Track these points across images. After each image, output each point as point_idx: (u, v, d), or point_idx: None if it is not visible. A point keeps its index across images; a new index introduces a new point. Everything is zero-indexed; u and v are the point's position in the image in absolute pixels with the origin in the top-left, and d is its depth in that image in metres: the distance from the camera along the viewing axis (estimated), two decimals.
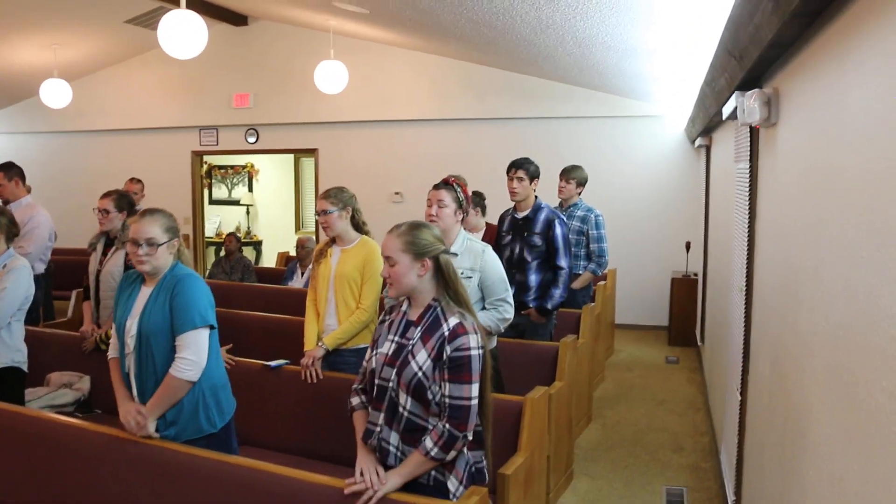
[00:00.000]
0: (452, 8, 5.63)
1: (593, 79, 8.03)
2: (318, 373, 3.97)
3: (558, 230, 4.95)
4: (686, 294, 8.36)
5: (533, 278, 4.99)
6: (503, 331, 4.06)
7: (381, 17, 7.15)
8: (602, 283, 7.24)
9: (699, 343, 7.67)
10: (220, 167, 13.13)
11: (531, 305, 4.99)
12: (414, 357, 2.53)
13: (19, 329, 4.01)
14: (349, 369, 4.06)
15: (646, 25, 4.75)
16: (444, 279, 2.64)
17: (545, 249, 4.97)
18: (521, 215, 5.08)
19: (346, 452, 3.90)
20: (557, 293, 4.96)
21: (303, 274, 7.39)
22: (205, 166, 12.03)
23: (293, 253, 8.76)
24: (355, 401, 2.79)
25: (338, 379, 4.00)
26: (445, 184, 3.90)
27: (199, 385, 3.07)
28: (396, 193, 9.92)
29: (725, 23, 2.99)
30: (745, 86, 3.24)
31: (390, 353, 2.62)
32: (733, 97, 3.38)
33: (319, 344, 4.01)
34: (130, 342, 3.07)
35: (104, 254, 4.95)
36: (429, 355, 2.52)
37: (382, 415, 2.59)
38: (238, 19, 10.13)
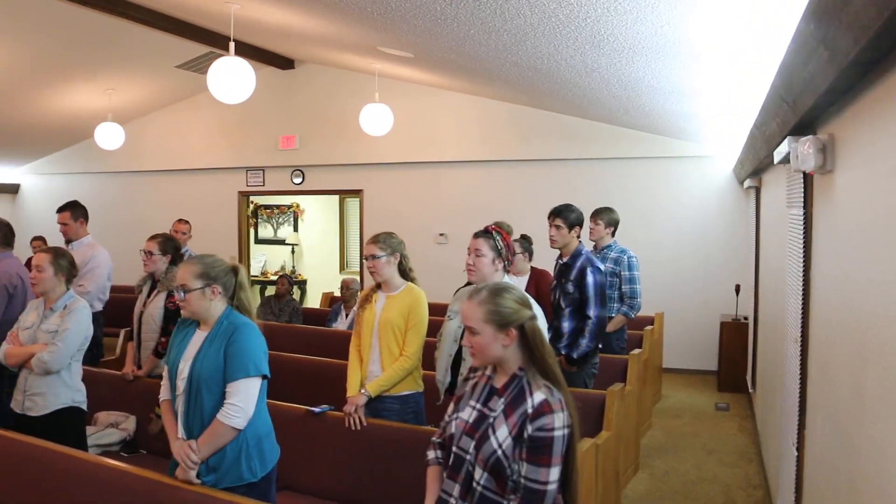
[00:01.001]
0: (496, 52, 5.63)
1: (639, 120, 7.97)
2: (362, 420, 3.94)
3: (590, 279, 4.89)
4: (736, 338, 8.17)
5: (566, 325, 4.95)
6: None
7: (425, 60, 7.19)
8: (649, 327, 7.11)
9: (750, 389, 7.47)
10: (266, 207, 13.29)
11: (561, 353, 4.93)
12: (495, 432, 2.36)
13: (78, 369, 4.05)
14: (392, 416, 4.03)
15: (692, 68, 4.70)
16: (530, 348, 2.45)
17: (578, 297, 4.92)
18: (563, 261, 5.06)
19: (388, 500, 3.86)
20: (584, 343, 4.88)
21: (347, 315, 7.39)
22: (251, 206, 12.18)
23: (338, 293, 8.77)
24: (431, 455, 2.64)
25: (381, 426, 3.97)
26: (485, 232, 3.85)
27: (243, 433, 3.07)
28: (441, 235, 9.90)
29: (777, 69, 2.93)
30: (797, 131, 3.15)
31: (471, 420, 2.46)
32: (785, 142, 3.30)
33: (362, 391, 3.98)
34: (181, 384, 3.10)
35: (148, 296, 4.99)
36: (510, 432, 2.34)
37: (458, 487, 2.43)
38: (285, 63, 10.29)
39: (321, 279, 12.61)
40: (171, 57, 9.32)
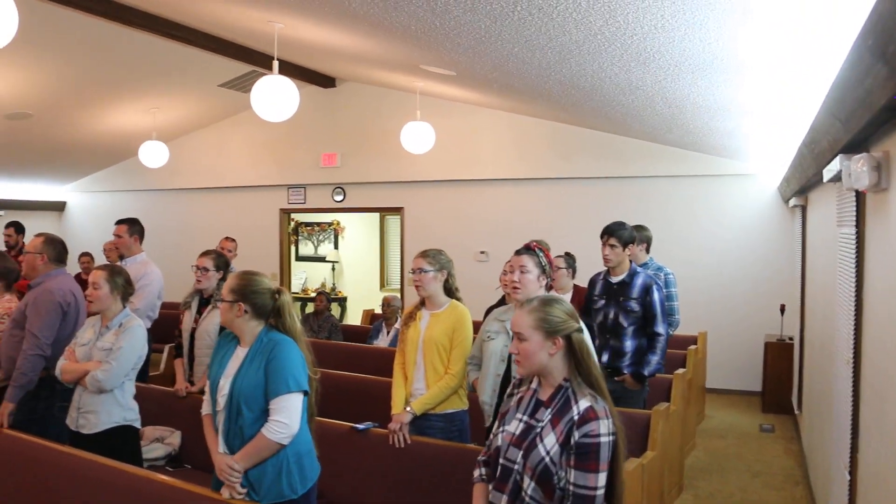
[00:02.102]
0: (540, 70, 5.64)
1: (682, 137, 7.92)
2: (406, 437, 3.94)
3: (656, 296, 4.85)
4: (781, 359, 8.03)
5: (629, 344, 4.88)
6: None
7: (468, 78, 7.21)
8: (693, 346, 7.02)
9: (796, 411, 7.33)
10: (307, 224, 13.41)
11: (626, 371, 4.87)
12: (542, 440, 2.40)
13: (131, 388, 4.08)
14: (436, 434, 4.03)
15: (738, 85, 4.66)
16: (576, 359, 2.49)
17: (642, 315, 4.87)
18: (615, 280, 4.98)
19: None
20: (654, 360, 4.84)
21: (388, 332, 7.41)
22: (292, 224, 12.29)
23: (378, 310, 8.79)
24: (476, 473, 2.68)
25: (425, 444, 3.96)
26: (528, 249, 3.83)
27: (284, 451, 3.09)
28: (482, 252, 9.90)
29: (830, 86, 2.89)
30: (849, 149, 3.11)
31: (517, 432, 2.49)
32: (836, 160, 3.25)
33: (407, 409, 3.98)
34: (221, 400, 3.13)
35: (199, 312, 5.05)
36: (557, 440, 2.38)
37: (505, 497, 2.46)
38: (326, 81, 10.40)
39: (361, 296, 12.68)
40: (214, 76, 9.47)
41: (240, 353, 3.19)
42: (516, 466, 2.44)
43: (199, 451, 4.76)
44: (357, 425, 4.18)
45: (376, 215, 12.79)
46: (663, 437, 4.62)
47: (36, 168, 11.79)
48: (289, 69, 8.93)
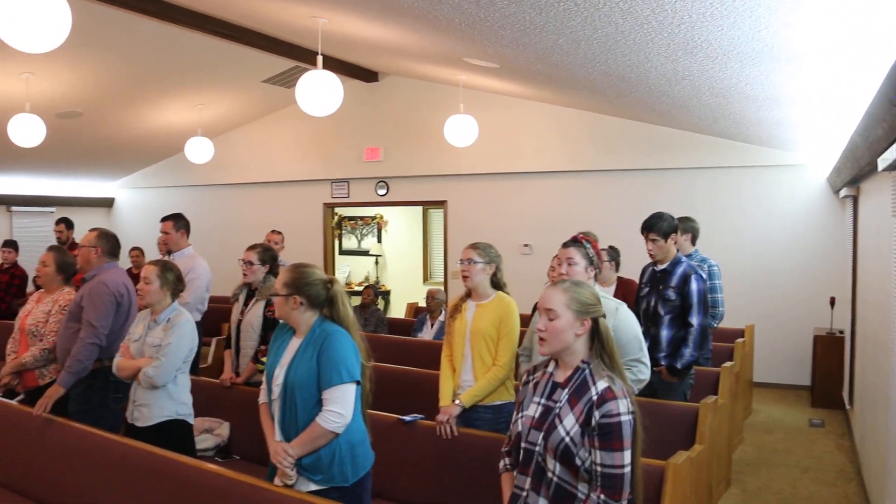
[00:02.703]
0: (585, 61, 5.60)
1: (729, 128, 7.81)
2: (454, 429, 3.94)
3: (694, 285, 4.79)
4: (831, 352, 7.89)
5: (664, 333, 4.84)
6: (637, 392, 3.91)
7: (511, 70, 7.19)
8: (740, 339, 6.93)
9: (847, 406, 7.20)
10: (350, 218, 13.50)
11: (662, 363, 4.83)
12: (561, 421, 2.45)
13: (185, 381, 4.13)
14: (484, 426, 4.03)
15: (789, 74, 4.58)
16: (601, 342, 2.54)
17: (679, 304, 4.82)
18: (660, 268, 4.96)
19: None
20: (687, 352, 4.78)
21: (432, 325, 7.43)
22: (335, 218, 12.38)
23: (422, 304, 8.82)
24: (501, 464, 2.74)
25: (473, 436, 3.97)
26: (575, 241, 3.83)
27: (337, 439, 3.13)
28: (525, 245, 9.87)
29: (888, 72, 2.83)
30: None
31: (536, 415, 2.54)
32: (893, 148, 3.18)
33: (456, 401, 3.98)
34: (276, 389, 3.18)
35: (246, 304, 5.12)
36: (576, 420, 2.43)
37: (529, 479, 2.51)
38: (369, 76, 10.45)
39: (404, 290, 12.73)
40: (258, 72, 9.57)
41: (294, 344, 3.23)
42: (537, 448, 2.49)
43: (248, 441, 4.86)
44: (404, 417, 4.20)
45: (419, 209, 12.82)
46: (711, 431, 4.56)
47: (85, 165, 12.03)
48: (332, 64, 8.98)
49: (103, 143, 11.00)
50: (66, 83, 8.47)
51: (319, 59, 6.37)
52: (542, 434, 2.48)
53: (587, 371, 2.51)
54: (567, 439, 2.42)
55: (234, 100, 10.63)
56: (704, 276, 4.99)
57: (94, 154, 11.46)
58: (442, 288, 8.61)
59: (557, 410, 2.48)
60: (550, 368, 2.63)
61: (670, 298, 4.83)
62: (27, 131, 7.63)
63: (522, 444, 2.54)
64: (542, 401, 2.56)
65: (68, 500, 3.99)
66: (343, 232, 13.52)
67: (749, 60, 4.40)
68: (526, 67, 6.68)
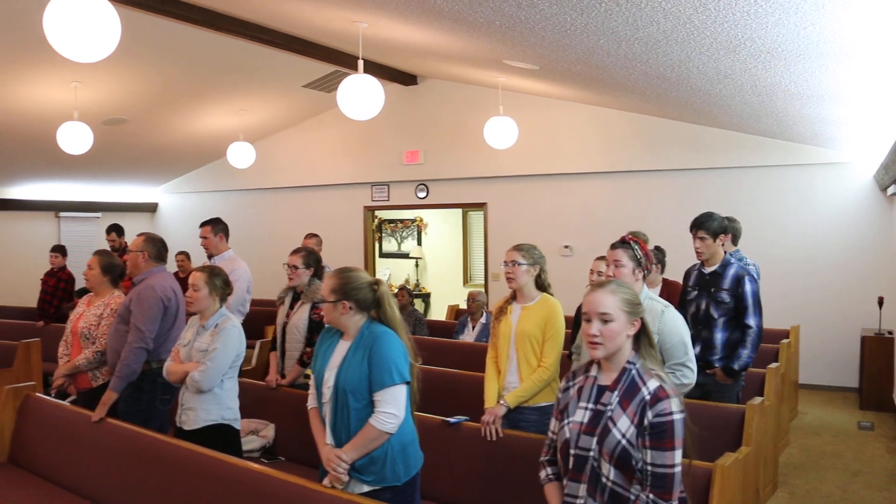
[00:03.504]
0: (625, 62, 5.58)
1: (771, 126, 7.71)
2: (499, 431, 3.95)
3: (748, 287, 4.74)
4: (879, 353, 7.74)
5: (719, 336, 4.79)
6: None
7: (551, 72, 7.18)
8: (785, 340, 6.84)
9: None
10: (390, 221, 13.56)
11: (717, 365, 4.78)
12: (615, 424, 2.42)
13: (232, 386, 4.17)
14: (529, 427, 4.03)
15: (835, 70, 4.52)
16: (648, 341, 2.55)
17: (733, 307, 4.77)
18: (708, 270, 4.90)
19: None
20: (745, 353, 4.73)
21: (473, 327, 7.44)
22: (375, 221, 12.45)
23: (463, 306, 8.83)
24: (543, 474, 2.70)
25: (518, 437, 3.97)
26: (623, 243, 3.82)
27: (389, 439, 3.15)
28: (566, 247, 9.84)
29: None
30: None
31: (586, 420, 2.50)
32: None
33: (501, 402, 3.99)
34: (327, 392, 3.21)
35: (291, 307, 5.17)
36: (631, 421, 2.41)
37: (584, 486, 2.47)
38: (408, 79, 10.50)
39: (445, 292, 12.75)
40: (298, 77, 9.66)
41: (343, 346, 3.26)
42: (591, 453, 2.45)
43: (293, 443, 4.91)
44: (449, 419, 4.21)
45: (459, 211, 12.84)
46: (758, 433, 4.51)
47: (130, 171, 12.24)
48: (371, 68, 9.05)
49: (147, 149, 11.20)
50: (112, 91, 8.63)
51: (360, 63, 6.42)
52: (595, 439, 2.45)
53: (634, 372, 2.49)
54: (624, 442, 2.39)
55: (276, 105, 10.75)
56: (756, 276, 4.94)
57: (138, 160, 11.67)
58: (483, 290, 8.61)
59: (609, 413, 2.45)
60: (593, 372, 2.60)
61: (724, 301, 4.78)
62: (75, 139, 7.80)
63: (572, 451, 2.50)
64: (590, 405, 2.52)
65: (119, 498, 4.08)
66: (383, 235, 13.59)
67: (794, 58, 4.36)
68: (566, 69, 6.67)
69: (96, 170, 11.53)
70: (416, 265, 13.41)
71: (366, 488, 3.15)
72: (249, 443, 4.94)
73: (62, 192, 12.21)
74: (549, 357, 4.01)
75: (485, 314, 7.56)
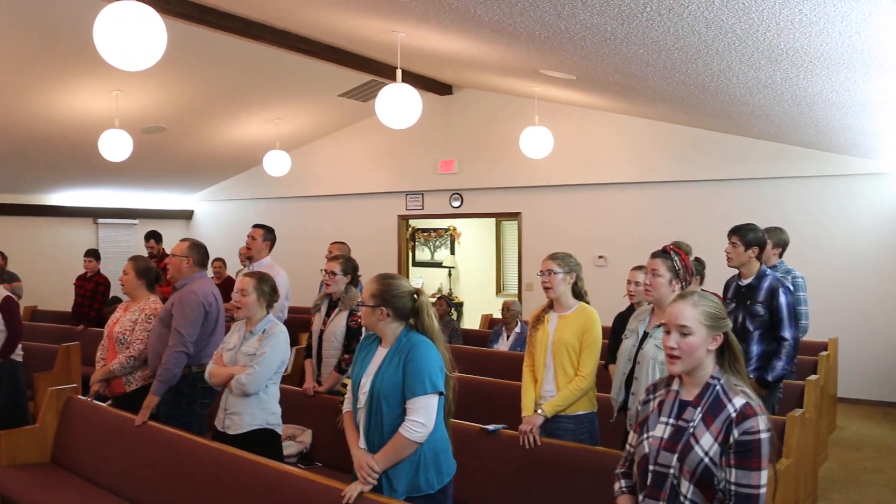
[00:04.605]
0: (664, 71, 5.56)
1: (809, 137, 7.64)
2: (537, 439, 3.95)
3: (783, 299, 4.70)
4: None
5: (755, 349, 4.75)
6: None
7: (587, 82, 7.18)
8: (824, 353, 6.75)
9: None
10: (423, 230, 13.61)
11: (751, 376, 4.74)
12: (698, 441, 2.35)
13: (275, 392, 4.22)
14: (566, 436, 4.04)
15: (879, 79, 4.48)
16: (732, 356, 2.46)
17: (768, 319, 4.73)
18: (744, 283, 4.88)
19: None
20: (780, 365, 4.68)
21: (508, 336, 7.43)
22: (409, 230, 12.50)
23: (496, 315, 8.83)
24: (617, 486, 2.66)
25: (556, 446, 3.98)
26: (663, 252, 3.81)
27: (421, 447, 3.16)
28: (600, 257, 9.80)
29: None
30: None
31: (666, 436, 2.43)
32: None
33: (539, 411, 3.99)
34: (363, 398, 3.23)
35: (327, 315, 5.21)
36: (715, 439, 2.33)
37: (662, 503, 2.41)
38: (443, 89, 10.54)
39: (478, 302, 12.74)
40: (334, 86, 9.74)
41: (380, 353, 3.28)
42: (672, 470, 2.38)
43: (330, 449, 4.94)
44: (487, 427, 4.22)
45: (492, 221, 12.83)
46: (798, 445, 4.46)
47: (167, 178, 12.40)
48: (408, 77, 9.06)
49: (184, 157, 11.35)
50: (152, 100, 8.77)
51: (398, 72, 6.47)
52: (675, 455, 2.38)
53: (718, 388, 2.42)
54: (707, 460, 2.32)
55: (312, 114, 10.85)
56: (791, 288, 4.90)
57: (175, 168, 11.82)
58: (517, 300, 8.60)
59: (692, 430, 2.38)
60: (675, 387, 2.53)
61: (759, 313, 4.74)
62: (116, 146, 7.93)
63: (651, 467, 2.44)
64: (671, 420, 2.46)
65: (159, 500, 4.13)
66: (416, 244, 13.63)
67: (836, 67, 4.32)
68: (603, 78, 6.67)
69: (134, 177, 11.70)
70: (449, 274, 13.43)
71: (399, 496, 3.16)
72: (287, 448, 4.97)
73: (101, 199, 12.40)
74: (587, 366, 4.01)
75: (519, 323, 7.55)
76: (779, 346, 4.71)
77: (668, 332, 2.48)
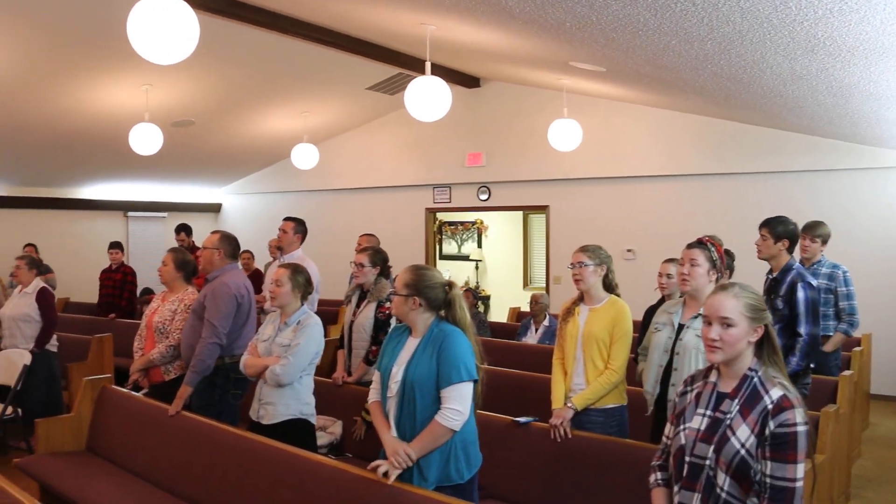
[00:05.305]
0: (696, 63, 5.51)
1: (843, 128, 7.54)
2: (568, 432, 3.94)
3: (801, 294, 4.61)
4: None
5: None
6: None
7: (618, 74, 7.13)
8: (857, 348, 6.67)
9: None
10: (450, 223, 13.60)
11: None
12: (734, 433, 2.33)
13: (309, 382, 4.24)
14: (595, 429, 4.02)
15: None
16: (772, 348, 2.45)
17: (787, 314, 4.66)
18: (773, 277, 4.84)
19: None
20: (794, 361, 4.58)
21: (536, 330, 7.42)
22: (436, 223, 12.50)
23: (524, 308, 8.80)
24: (652, 478, 2.64)
25: (585, 438, 3.96)
26: (700, 243, 3.80)
27: (452, 437, 3.17)
28: (629, 251, 9.74)
29: None
30: None
31: (703, 427, 2.42)
32: None
33: (569, 404, 3.98)
34: (394, 387, 3.24)
35: (358, 306, 5.23)
36: (752, 431, 2.31)
37: (698, 495, 2.39)
38: (471, 81, 10.52)
39: (505, 295, 12.70)
40: (362, 79, 9.76)
41: (411, 343, 3.29)
42: (707, 462, 2.37)
43: (360, 440, 4.95)
44: (518, 419, 4.21)
45: (519, 214, 12.81)
46: (832, 441, 4.42)
47: (195, 172, 12.51)
48: (435, 70, 9.02)
49: (213, 151, 11.43)
50: (181, 93, 8.84)
51: (428, 65, 6.46)
52: (711, 447, 2.37)
53: (756, 379, 2.40)
54: (743, 451, 2.30)
55: (339, 107, 10.88)
56: (814, 283, 4.82)
57: (204, 161, 11.91)
58: (545, 293, 8.58)
59: (728, 422, 2.36)
60: (713, 378, 2.51)
61: (778, 308, 4.69)
62: (146, 140, 8.02)
63: (687, 458, 2.43)
64: (708, 412, 2.44)
65: (192, 488, 4.18)
66: (443, 237, 13.63)
67: (875, 56, 4.26)
68: (634, 70, 6.62)
69: (163, 171, 11.81)
70: (476, 267, 13.42)
71: (430, 486, 3.16)
72: (317, 439, 4.99)
73: (131, 193, 12.53)
74: (618, 360, 3.99)
75: (547, 317, 7.53)
76: (794, 342, 4.64)
77: (708, 324, 2.46)
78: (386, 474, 3.12)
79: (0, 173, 10.65)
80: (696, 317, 3.65)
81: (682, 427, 2.49)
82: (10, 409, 6.05)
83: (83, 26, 6.70)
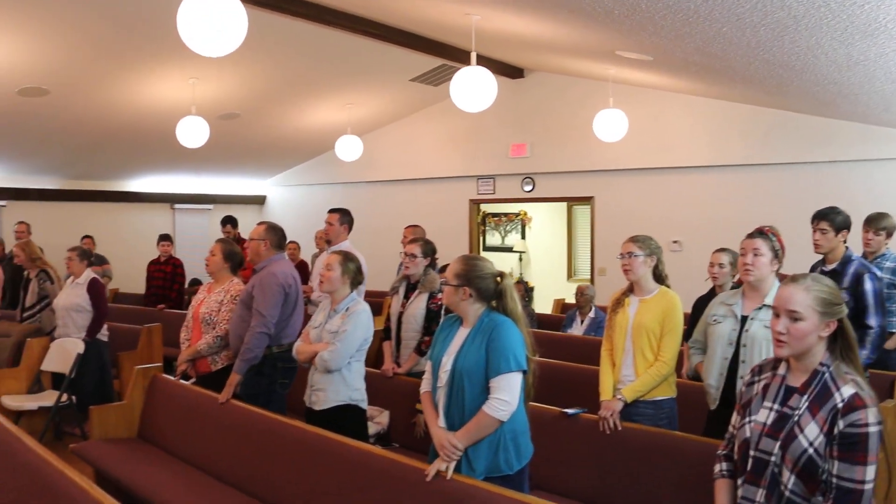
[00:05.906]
0: (747, 50, 5.39)
1: None
2: (618, 424, 3.90)
3: (868, 285, 4.52)
4: None
5: None
6: None
7: (665, 63, 7.02)
8: None
9: None
10: (494, 215, 13.57)
11: None
12: (802, 430, 2.26)
13: (359, 369, 4.29)
14: (644, 421, 3.98)
15: None
16: (845, 343, 2.37)
17: (853, 306, 4.55)
18: (829, 268, 4.73)
19: None
20: (864, 354, 4.48)
21: (582, 321, 7.37)
22: (480, 214, 12.48)
23: (569, 300, 8.74)
24: (717, 468, 2.59)
25: (634, 430, 3.93)
26: (761, 233, 3.73)
27: (501, 427, 3.16)
28: (675, 242, 9.59)
29: None
30: None
31: (769, 422, 2.36)
32: None
33: (618, 396, 3.94)
34: (444, 377, 3.25)
35: (406, 297, 5.23)
36: (821, 429, 2.24)
37: (763, 491, 2.33)
38: (514, 72, 10.45)
39: (548, 287, 12.64)
40: (406, 71, 9.74)
41: (462, 333, 3.30)
42: (773, 458, 2.31)
43: (407, 430, 4.97)
44: (567, 410, 4.19)
45: (563, 205, 12.72)
46: (890, 437, 4.31)
47: (241, 164, 12.62)
48: (480, 61, 8.97)
49: (258, 143, 11.51)
50: (227, 86, 8.91)
51: (473, 55, 6.43)
52: (778, 443, 2.31)
53: (827, 375, 2.32)
54: (811, 450, 2.23)
55: (383, 99, 10.88)
56: (880, 274, 4.71)
57: (249, 153, 12.01)
58: (591, 285, 8.51)
59: (797, 418, 2.30)
60: (782, 371, 2.44)
61: (843, 300, 4.58)
62: (193, 133, 8.11)
63: (752, 453, 2.38)
64: (776, 406, 2.38)
65: (241, 475, 4.23)
66: (487, 228, 13.60)
67: None
68: (681, 59, 6.50)
69: (209, 163, 11.94)
70: (520, 259, 13.37)
71: (478, 476, 3.16)
72: None
73: (177, 185, 12.69)
74: (668, 352, 3.94)
75: (593, 308, 7.47)
76: (863, 335, 4.54)
77: (776, 316, 2.39)
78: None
79: (54, 167, 10.87)
80: (760, 307, 3.60)
81: (747, 419, 2.43)
82: (64, 397, 6.19)
83: (131, 22, 6.78)
